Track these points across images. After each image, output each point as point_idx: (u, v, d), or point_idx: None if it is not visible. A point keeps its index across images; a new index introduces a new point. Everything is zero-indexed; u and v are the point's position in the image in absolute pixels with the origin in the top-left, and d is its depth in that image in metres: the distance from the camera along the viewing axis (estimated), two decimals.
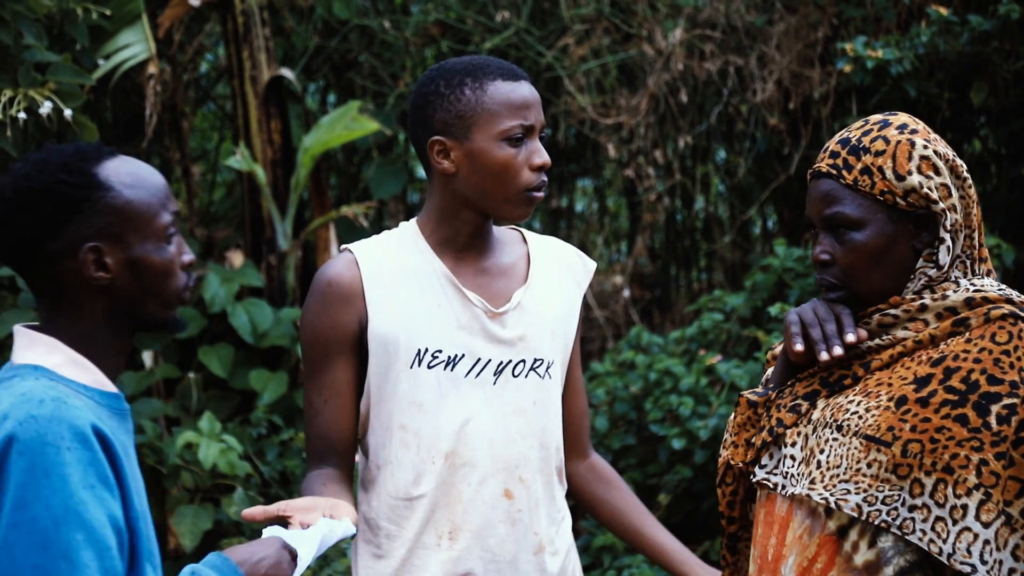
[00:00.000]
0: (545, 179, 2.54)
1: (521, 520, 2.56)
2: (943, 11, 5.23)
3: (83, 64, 5.24)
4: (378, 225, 7.20)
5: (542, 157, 2.52)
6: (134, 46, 5.57)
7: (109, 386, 1.99)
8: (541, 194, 2.54)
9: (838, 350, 2.21)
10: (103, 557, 1.82)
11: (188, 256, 2.05)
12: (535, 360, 2.57)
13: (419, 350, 2.52)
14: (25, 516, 1.80)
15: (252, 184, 6.26)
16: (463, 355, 2.54)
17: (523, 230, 2.71)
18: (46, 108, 4.55)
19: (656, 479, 5.44)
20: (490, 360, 2.54)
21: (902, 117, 2.28)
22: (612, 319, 6.71)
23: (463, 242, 2.58)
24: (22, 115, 4.53)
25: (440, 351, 2.53)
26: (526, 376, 2.56)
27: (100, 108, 5.89)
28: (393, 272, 2.55)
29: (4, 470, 1.82)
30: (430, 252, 2.57)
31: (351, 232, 6.72)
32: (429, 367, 2.52)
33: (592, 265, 2.72)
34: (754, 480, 2.32)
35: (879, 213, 2.22)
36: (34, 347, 1.97)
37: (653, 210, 6.75)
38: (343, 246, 2.61)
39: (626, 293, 6.68)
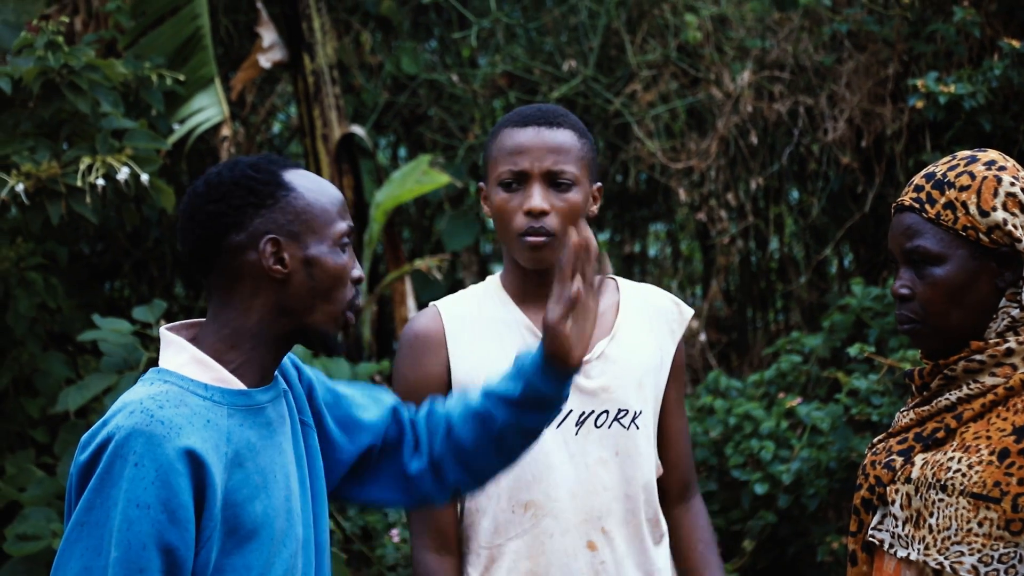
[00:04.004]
0: (540, 225, 2.50)
1: (605, 571, 2.54)
2: (1015, 43, 5.17)
3: (159, 129, 5.33)
4: (452, 277, 7.22)
5: (532, 202, 2.50)
6: (208, 109, 5.66)
7: (232, 383, 2.06)
8: (535, 239, 2.51)
9: None
10: None
11: (358, 271, 2.14)
12: (619, 411, 2.56)
13: None
14: (90, 518, 1.93)
15: None
16: None
17: (618, 279, 2.69)
18: (123, 174, 4.63)
19: (740, 525, 5.37)
20: (571, 411, 2.53)
21: (991, 154, 2.24)
22: (689, 364, 6.66)
23: (543, 292, 2.57)
24: (100, 181, 4.61)
25: None
26: (609, 427, 2.55)
27: (176, 172, 5.98)
28: (475, 323, 2.58)
29: (92, 470, 1.95)
30: (511, 303, 2.59)
31: (426, 285, 6.75)
32: None
33: (689, 313, 2.68)
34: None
35: (961, 249, 2.18)
36: (167, 350, 2.09)
37: (727, 253, 6.70)
38: (432, 303, 2.64)
39: (702, 337, 6.63)
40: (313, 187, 2.11)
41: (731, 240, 6.62)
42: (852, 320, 5.47)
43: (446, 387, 2.56)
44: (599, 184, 2.59)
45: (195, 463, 1.95)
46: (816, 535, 5.21)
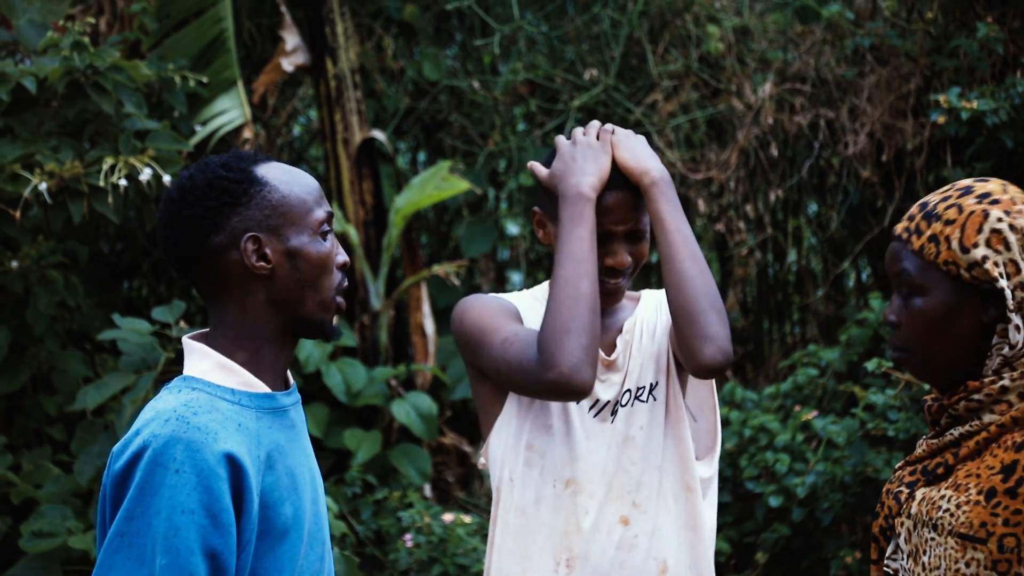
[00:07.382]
0: (615, 280, 2.64)
1: (638, 546, 2.63)
2: None
3: (181, 131, 5.35)
4: (469, 284, 7.22)
5: (618, 258, 2.66)
6: (230, 112, 5.68)
7: (258, 386, 2.07)
8: (615, 281, 2.65)
9: None
10: None
11: (343, 257, 2.14)
12: (638, 388, 2.67)
13: None
14: (130, 528, 1.91)
15: (345, 244, 6.33)
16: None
17: (643, 293, 2.82)
18: (146, 174, 4.65)
19: (753, 537, 5.37)
20: (608, 401, 2.65)
21: (989, 185, 2.19)
22: None
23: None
24: (123, 182, 4.63)
25: None
26: (632, 405, 2.66)
27: None
28: (532, 315, 2.69)
29: (129, 480, 1.94)
30: None
31: (443, 291, 6.76)
32: None
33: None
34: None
35: (943, 282, 2.15)
36: (190, 357, 2.09)
37: (745, 264, 6.70)
38: (489, 294, 2.75)
39: None
40: (287, 178, 2.10)
41: (749, 252, 6.62)
42: (869, 334, 5.46)
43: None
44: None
45: (234, 467, 1.96)
46: (829, 549, 5.20)
